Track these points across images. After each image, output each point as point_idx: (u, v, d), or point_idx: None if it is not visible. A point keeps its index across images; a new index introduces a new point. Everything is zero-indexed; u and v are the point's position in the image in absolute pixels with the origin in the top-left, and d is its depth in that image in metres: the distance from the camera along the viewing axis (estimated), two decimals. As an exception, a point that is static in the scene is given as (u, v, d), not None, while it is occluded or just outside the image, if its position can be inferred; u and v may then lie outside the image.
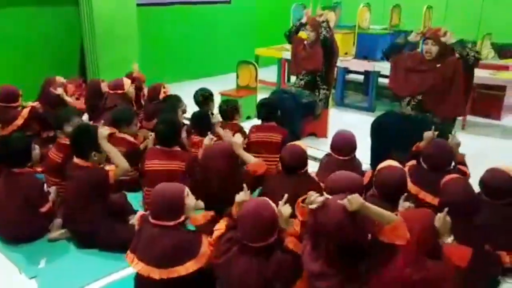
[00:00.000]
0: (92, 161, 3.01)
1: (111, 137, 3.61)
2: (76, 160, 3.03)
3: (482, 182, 2.79)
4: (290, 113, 4.43)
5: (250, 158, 3.08)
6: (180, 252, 2.17)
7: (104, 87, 4.54)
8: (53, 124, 3.77)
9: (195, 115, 4.04)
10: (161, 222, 2.19)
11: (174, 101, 4.22)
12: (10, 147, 3.02)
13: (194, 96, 4.35)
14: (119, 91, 4.37)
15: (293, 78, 6.14)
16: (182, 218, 2.23)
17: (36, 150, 3.18)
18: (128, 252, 2.27)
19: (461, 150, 3.35)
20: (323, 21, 4.63)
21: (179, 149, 3.42)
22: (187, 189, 2.29)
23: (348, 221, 1.90)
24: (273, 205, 2.11)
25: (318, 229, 1.97)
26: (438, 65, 3.69)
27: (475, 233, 2.43)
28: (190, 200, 2.28)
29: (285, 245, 2.09)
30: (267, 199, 2.15)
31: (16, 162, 3.03)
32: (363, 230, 1.96)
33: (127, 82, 4.45)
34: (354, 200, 1.91)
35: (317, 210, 1.97)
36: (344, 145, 3.16)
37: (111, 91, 4.40)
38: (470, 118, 5.48)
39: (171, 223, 2.19)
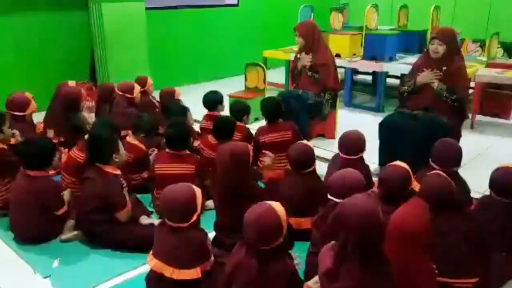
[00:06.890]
0: (114, 163, 3.02)
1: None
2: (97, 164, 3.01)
3: (492, 181, 2.76)
4: (297, 114, 4.45)
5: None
6: (193, 253, 2.21)
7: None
8: (71, 127, 3.76)
9: (222, 121, 3.79)
10: (174, 224, 2.22)
11: (183, 106, 4.24)
12: (32, 149, 3.02)
13: (204, 99, 4.39)
14: (128, 95, 4.44)
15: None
16: (195, 218, 2.23)
17: (57, 156, 3.18)
18: (150, 253, 2.31)
19: (470, 149, 3.33)
20: None
21: (188, 152, 3.43)
22: (197, 189, 2.29)
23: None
24: (280, 210, 2.03)
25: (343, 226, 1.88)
26: (445, 68, 3.68)
27: (472, 228, 2.41)
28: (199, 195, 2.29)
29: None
30: (273, 204, 2.05)
31: (34, 165, 3.00)
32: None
33: (137, 88, 4.51)
34: None
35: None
36: (350, 144, 3.13)
37: (120, 93, 4.46)
38: (478, 117, 5.46)
39: (185, 225, 2.21)
